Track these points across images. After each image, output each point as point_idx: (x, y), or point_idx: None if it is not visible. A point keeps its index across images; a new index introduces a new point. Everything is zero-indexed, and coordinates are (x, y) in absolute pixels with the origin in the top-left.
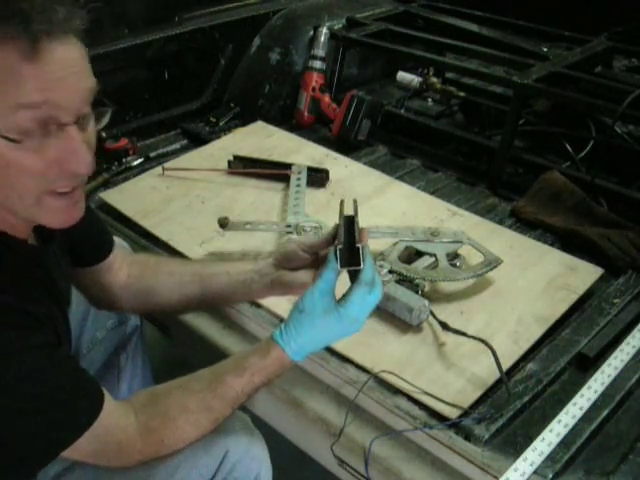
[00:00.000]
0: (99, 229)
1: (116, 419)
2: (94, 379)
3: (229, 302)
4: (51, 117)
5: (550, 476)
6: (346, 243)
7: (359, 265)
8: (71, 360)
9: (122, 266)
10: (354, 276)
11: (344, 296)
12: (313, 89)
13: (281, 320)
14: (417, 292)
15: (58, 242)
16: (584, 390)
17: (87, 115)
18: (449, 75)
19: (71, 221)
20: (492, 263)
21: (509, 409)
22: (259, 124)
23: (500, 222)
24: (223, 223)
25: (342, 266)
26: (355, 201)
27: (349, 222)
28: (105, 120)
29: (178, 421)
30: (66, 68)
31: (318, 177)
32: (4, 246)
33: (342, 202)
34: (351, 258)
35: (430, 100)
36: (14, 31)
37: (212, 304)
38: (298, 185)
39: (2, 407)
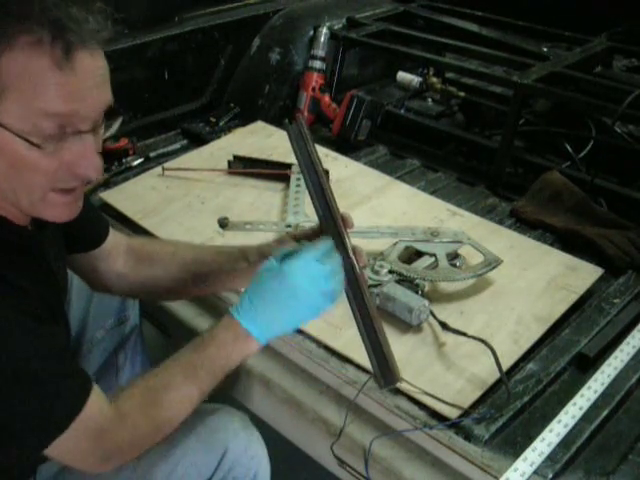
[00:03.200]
0: (94, 215)
1: (100, 403)
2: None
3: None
4: (72, 125)
5: (550, 476)
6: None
7: (395, 381)
8: (60, 339)
9: (119, 253)
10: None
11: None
12: (313, 89)
13: None
14: (417, 292)
15: (52, 229)
16: (584, 390)
17: (101, 123)
18: (449, 75)
19: (70, 216)
20: (492, 263)
21: (509, 409)
22: (259, 124)
23: (500, 222)
24: (223, 223)
25: (384, 385)
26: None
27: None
28: (114, 128)
29: (140, 399)
30: (93, 79)
31: None
32: (4, 230)
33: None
34: (387, 371)
35: (430, 100)
36: (48, 38)
37: (204, 293)
38: (298, 185)
39: None
